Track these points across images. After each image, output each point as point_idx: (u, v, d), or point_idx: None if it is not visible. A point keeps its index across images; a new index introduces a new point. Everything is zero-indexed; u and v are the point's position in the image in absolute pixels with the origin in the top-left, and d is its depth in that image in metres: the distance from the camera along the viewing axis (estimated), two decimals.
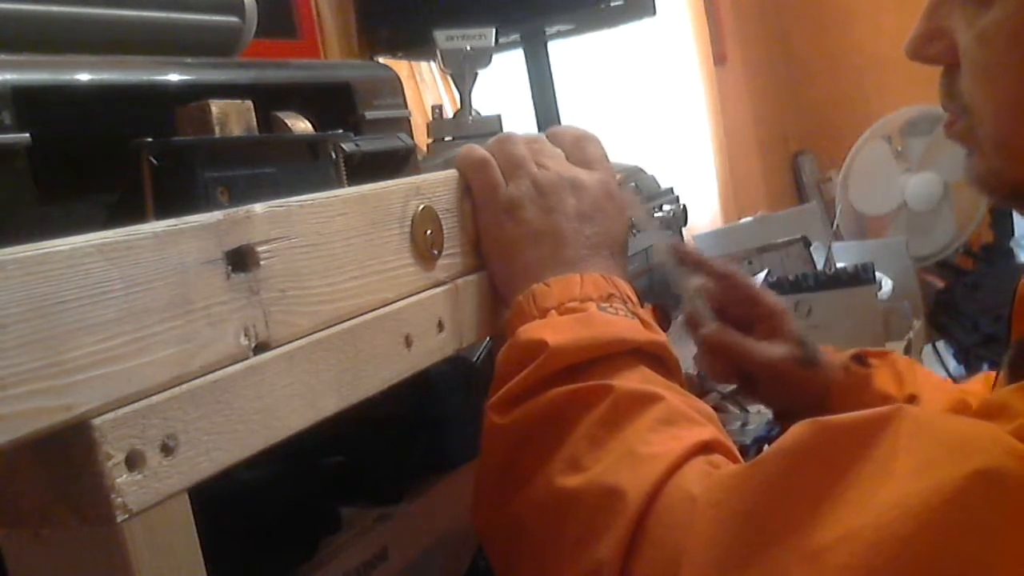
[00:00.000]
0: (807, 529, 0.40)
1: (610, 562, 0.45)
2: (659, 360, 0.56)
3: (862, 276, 1.69)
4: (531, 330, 0.55)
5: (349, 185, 0.58)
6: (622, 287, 0.59)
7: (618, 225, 0.64)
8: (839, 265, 1.87)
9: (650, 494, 0.46)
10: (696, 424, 0.52)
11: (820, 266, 1.88)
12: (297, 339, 0.45)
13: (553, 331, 0.54)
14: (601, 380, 0.52)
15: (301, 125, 0.60)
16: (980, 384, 0.79)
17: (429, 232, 0.56)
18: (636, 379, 0.53)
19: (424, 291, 0.55)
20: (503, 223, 0.61)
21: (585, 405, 0.51)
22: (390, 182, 0.54)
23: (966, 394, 0.77)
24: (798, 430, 0.44)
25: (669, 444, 0.49)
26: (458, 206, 0.60)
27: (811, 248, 1.90)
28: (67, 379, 0.34)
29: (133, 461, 0.36)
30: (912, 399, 0.76)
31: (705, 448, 0.50)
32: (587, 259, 0.60)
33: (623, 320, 0.56)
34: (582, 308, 0.56)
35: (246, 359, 0.42)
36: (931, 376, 0.81)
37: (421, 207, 0.55)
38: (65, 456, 0.35)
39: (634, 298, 0.59)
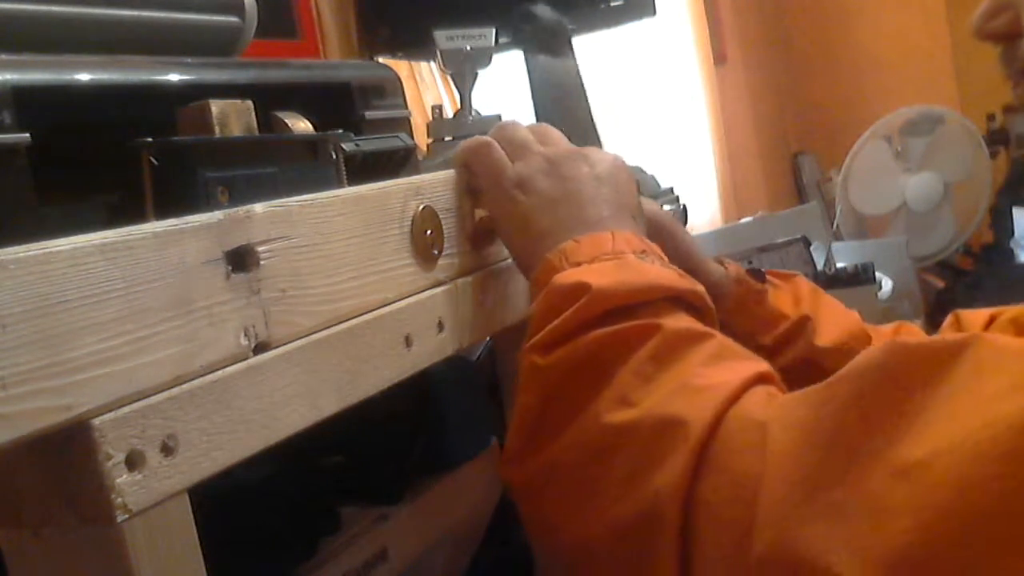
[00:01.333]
0: (895, 445, 0.38)
1: (671, 491, 0.44)
2: (698, 311, 0.55)
3: (862, 276, 1.69)
4: (571, 275, 0.53)
5: (349, 185, 0.58)
6: (654, 247, 0.58)
7: (632, 192, 0.63)
8: (839, 265, 1.87)
9: (712, 422, 0.45)
10: (750, 358, 0.51)
11: (820, 266, 1.88)
12: (297, 339, 0.45)
13: (596, 275, 0.52)
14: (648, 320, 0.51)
15: (301, 125, 0.60)
16: (891, 330, 0.78)
17: (429, 232, 0.56)
18: (684, 321, 0.52)
19: (424, 291, 0.55)
20: (516, 197, 0.59)
21: (633, 344, 0.50)
22: (390, 182, 0.54)
23: (873, 331, 0.76)
24: (871, 352, 0.42)
25: (725, 376, 0.48)
26: (458, 206, 0.60)
27: (811, 248, 1.90)
28: (68, 379, 0.34)
29: (133, 461, 0.36)
30: (806, 320, 0.74)
31: (762, 379, 0.48)
32: (611, 219, 0.58)
33: (662, 269, 0.55)
34: (618, 258, 0.55)
35: (246, 359, 0.42)
36: (836, 305, 0.79)
37: (421, 207, 0.55)
38: (65, 456, 0.35)
39: (666, 258, 0.58)
